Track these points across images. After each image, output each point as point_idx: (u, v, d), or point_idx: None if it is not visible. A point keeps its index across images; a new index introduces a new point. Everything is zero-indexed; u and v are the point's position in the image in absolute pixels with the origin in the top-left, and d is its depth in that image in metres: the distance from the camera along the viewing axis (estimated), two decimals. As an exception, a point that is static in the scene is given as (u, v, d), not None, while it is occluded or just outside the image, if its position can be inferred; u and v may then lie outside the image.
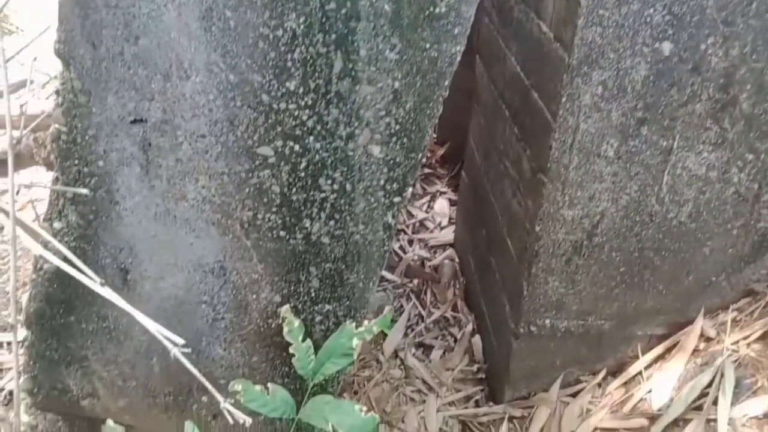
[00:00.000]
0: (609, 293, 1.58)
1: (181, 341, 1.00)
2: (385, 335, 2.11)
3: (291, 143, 1.20)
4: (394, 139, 1.20)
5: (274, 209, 1.28)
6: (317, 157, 1.22)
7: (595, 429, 1.61)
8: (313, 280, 1.36)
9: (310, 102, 1.16)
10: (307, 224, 1.29)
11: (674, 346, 1.63)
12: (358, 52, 1.11)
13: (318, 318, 1.41)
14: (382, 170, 1.23)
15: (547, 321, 1.63)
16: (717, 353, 1.52)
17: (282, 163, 1.23)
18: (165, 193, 1.27)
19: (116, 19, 1.12)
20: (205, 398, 1.53)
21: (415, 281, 2.38)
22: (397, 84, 1.15)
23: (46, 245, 1.27)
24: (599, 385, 1.72)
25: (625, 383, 1.67)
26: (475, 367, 2.00)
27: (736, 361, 1.47)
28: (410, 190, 1.27)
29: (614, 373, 1.72)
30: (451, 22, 1.11)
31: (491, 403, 1.86)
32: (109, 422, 1.33)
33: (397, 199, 1.27)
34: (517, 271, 1.64)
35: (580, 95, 1.32)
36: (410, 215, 2.74)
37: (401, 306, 2.26)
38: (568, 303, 1.60)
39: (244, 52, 1.13)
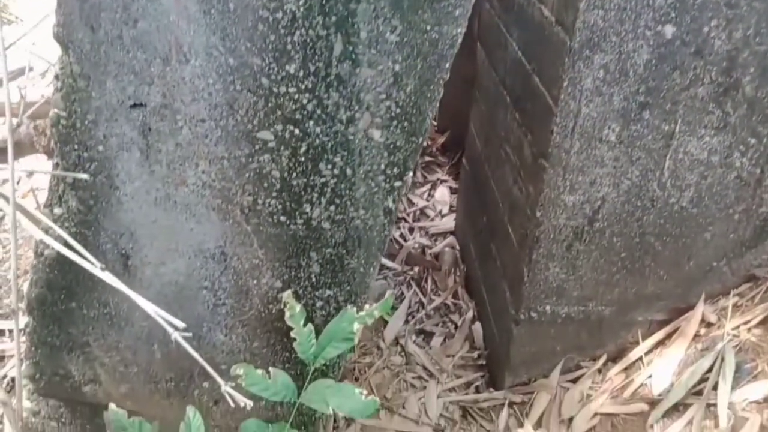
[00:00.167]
0: (610, 279, 1.58)
1: (181, 325, 1.00)
2: (386, 322, 2.12)
3: (291, 127, 1.20)
4: (395, 122, 1.20)
5: (274, 194, 1.27)
6: (317, 141, 1.21)
7: (596, 414, 1.62)
8: (314, 266, 1.36)
9: (310, 85, 1.16)
10: (308, 209, 1.29)
11: (675, 331, 1.63)
12: (359, 34, 1.11)
13: (319, 303, 1.41)
14: (382, 154, 1.23)
15: (548, 307, 1.63)
16: (718, 338, 1.52)
17: (282, 148, 1.22)
18: (165, 178, 1.27)
19: (115, 2, 1.11)
20: (206, 384, 1.53)
21: (416, 269, 2.39)
22: (397, 67, 1.14)
23: (46, 231, 1.27)
24: (599, 370, 1.72)
25: (626, 369, 1.67)
26: (475, 354, 2.01)
27: (736, 346, 1.47)
28: (411, 174, 1.26)
29: (615, 358, 1.72)
30: (452, 4, 1.10)
31: (492, 389, 1.86)
32: (112, 406, 1.33)
33: (397, 184, 1.26)
34: (518, 257, 1.64)
35: (582, 79, 1.31)
36: (411, 203, 2.74)
37: (402, 293, 2.26)
38: (569, 289, 1.60)
39: (244, 35, 1.12)
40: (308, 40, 1.12)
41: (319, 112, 1.18)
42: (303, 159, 1.23)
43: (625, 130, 1.37)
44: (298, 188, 1.26)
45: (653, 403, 1.53)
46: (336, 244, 1.33)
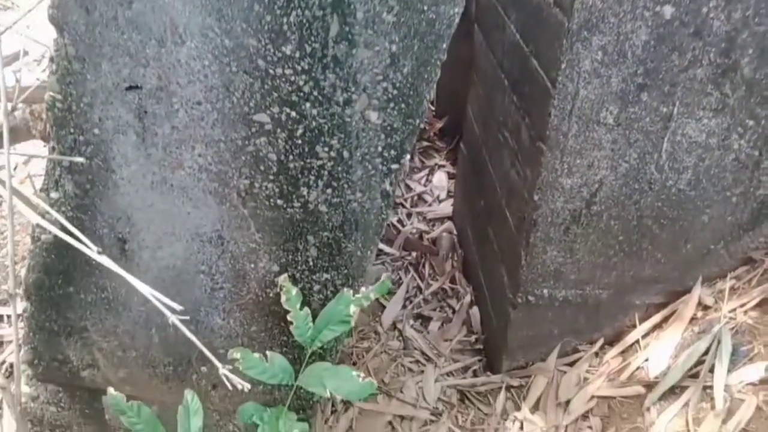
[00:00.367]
0: (607, 262, 1.58)
1: (178, 308, 1.00)
2: (384, 307, 2.12)
3: (287, 110, 1.19)
4: (392, 104, 1.19)
5: (271, 177, 1.27)
6: (314, 123, 1.20)
7: (592, 397, 1.63)
8: (311, 249, 1.36)
9: (306, 67, 1.15)
10: (305, 192, 1.28)
11: (672, 314, 1.63)
12: (355, 14, 1.10)
13: (316, 287, 1.41)
14: (379, 136, 1.22)
15: (545, 291, 1.64)
16: (714, 321, 1.52)
17: (278, 130, 1.21)
18: (161, 161, 1.26)
19: (109, -18, 1.10)
20: (204, 368, 1.54)
21: (414, 254, 2.39)
22: (394, 47, 1.13)
23: (43, 216, 1.27)
24: (597, 354, 1.73)
25: (623, 352, 1.68)
26: (473, 338, 2.01)
27: (733, 328, 1.48)
28: (408, 157, 1.26)
29: (612, 342, 1.73)
30: (449, -16, 1.09)
31: (489, 373, 1.87)
32: (110, 390, 1.33)
33: (394, 166, 1.26)
34: (516, 241, 1.64)
35: (580, 61, 1.31)
36: (409, 188, 2.74)
37: (400, 278, 2.27)
38: (566, 272, 1.60)
39: (239, 15, 1.11)
40: (304, 21, 1.11)
41: (315, 93, 1.17)
42: (300, 141, 1.23)
43: (623, 112, 1.37)
44: (294, 171, 1.26)
45: (650, 386, 1.54)
46: (333, 228, 1.33)
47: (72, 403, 1.66)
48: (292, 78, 1.16)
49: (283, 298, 1.33)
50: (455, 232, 2.50)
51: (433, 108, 3.17)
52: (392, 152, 1.25)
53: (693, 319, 1.58)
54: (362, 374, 1.27)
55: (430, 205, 2.69)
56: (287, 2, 1.09)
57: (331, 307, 1.35)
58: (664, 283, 1.63)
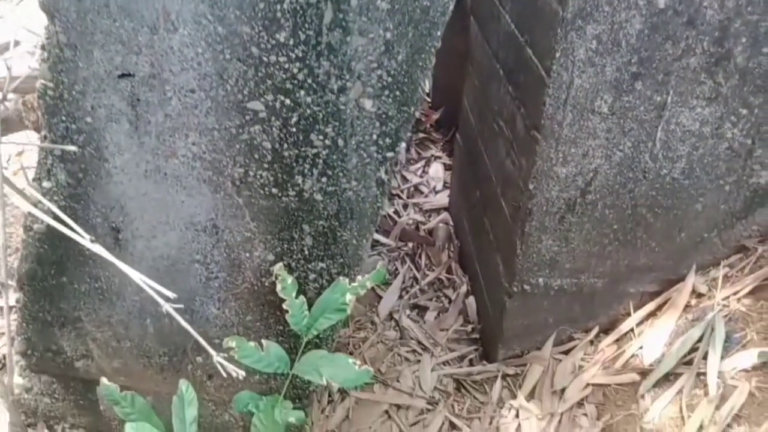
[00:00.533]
0: (602, 251, 1.59)
1: (171, 295, 1.00)
2: (380, 298, 2.13)
3: (281, 97, 1.19)
4: (387, 92, 1.19)
5: (265, 166, 1.26)
6: (308, 111, 1.20)
7: (587, 385, 1.64)
8: (307, 238, 1.36)
9: (300, 54, 1.14)
10: (300, 181, 1.28)
11: (666, 302, 1.64)
12: (349, 1, 1.09)
13: (312, 276, 1.41)
14: (374, 124, 1.22)
15: (540, 279, 1.64)
16: (708, 309, 1.53)
17: (273, 118, 1.21)
18: (155, 150, 1.26)
19: (100, -32, 1.09)
20: (200, 359, 1.54)
21: (410, 244, 2.39)
22: (388, 35, 1.13)
23: (36, 205, 1.26)
24: (592, 342, 1.74)
25: (617, 340, 1.69)
26: (469, 327, 2.02)
27: (726, 315, 1.49)
28: (403, 145, 1.26)
29: (606, 330, 1.74)
30: (443, -30, 1.09)
31: (485, 362, 1.88)
32: (104, 380, 1.33)
33: (390, 155, 1.26)
34: (511, 230, 1.64)
35: (575, 50, 1.30)
36: (405, 180, 2.74)
37: (396, 269, 2.27)
38: (561, 261, 1.61)
39: (233, 2, 1.10)
40: (298, 8, 1.10)
41: (309, 81, 1.17)
42: (294, 130, 1.22)
43: (618, 101, 1.37)
44: (289, 159, 1.26)
45: (644, 373, 1.55)
46: (328, 216, 1.33)
47: (66, 394, 1.66)
48: (286, 65, 1.16)
49: (278, 287, 1.33)
50: (451, 222, 2.50)
51: (429, 100, 3.16)
52: (387, 140, 1.24)
53: (687, 307, 1.59)
54: (358, 362, 1.27)
55: (426, 196, 2.69)
56: (281, -12, 1.09)
57: (327, 295, 1.35)
58: (658, 272, 1.63)
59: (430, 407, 1.76)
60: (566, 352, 1.76)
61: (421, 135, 3.00)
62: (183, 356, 1.54)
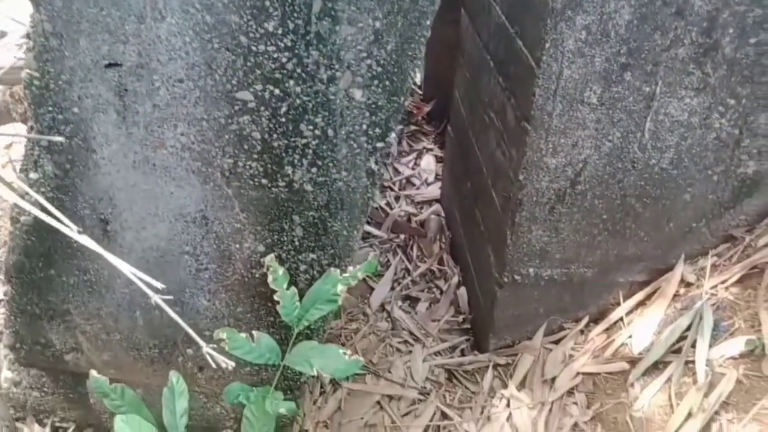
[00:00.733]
0: (591, 241, 1.60)
1: (160, 286, 0.99)
2: (372, 289, 2.13)
3: (271, 87, 1.18)
4: (376, 81, 1.18)
5: (255, 156, 1.26)
6: (298, 101, 1.20)
7: (578, 374, 1.65)
8: (297, 229, 1.35)
9: (289, 44, 1.14)
10: (289, 171, 1.28)
11: (655, 292, 1.65)
12: (338, -10, 1.09)
13: (302, 267, 1.40)
14: (364, 114, 1.22)
15: (531, 270, 1.65)
16: (696, 297, 1.54)
17: (262, 108, 1.20)
18: (143, 140, 1.25)
19: (85, -44, 1.08)
20: (190, 351, 1.53)
21: (402, 236, 2.39)
22: (378, 24, 1.12)
23: (23, 197, 1.25)
24: (582, 331, 1.75)
25: (607, 329, 1.70)
26: (460, 318, 2.03)
27: (714, 304, 1.50)
28: (393, 135, 1.25)
29: (596, 319, 1.75)
30: (432, -41, 1.08)
31: (476, 352, 1.89)
32: (93, 372, 1.33)
33: (380, 145, 1.26)
34: (501, 221, 1.65)
35: (564, 40, 1.31)
36: (397, 172, 2.74)
37: (388, 261, 2.27)
38: (551, 251, 1.61)
39: (220, -9, 1.10)
40: (287, -3, 1.10)
41: (299, 71, 1.16)
42: (284, 120, 1.22)
43: (607, 91, 1.37)
44: (279, 150, 1.25)
45: (634, 362, 1.56)
46: (319, 207, 1.33)
47: (56, 387, 1.65)
48: (275, 55, 1.15)
49: (269, 278, 1.33)
50: (443, 214, 2.51)
51: (420, 92, 3.16)
52: (377, 130, 1.24)
53: (675, 296, 1.60)
54: (349, 352, 1.27)
55: (418, 188, 2.69)
56: (269, -23, 1.08)
57: (318, 286, 1.35)
58: (647, 261, 1.64)
59: (421, 397, 1.77)
60: (557, 342, 1.77)
61: (413, 127, 3.00)
62: (173, 348, 1.53)
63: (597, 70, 1.34)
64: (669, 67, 1.35)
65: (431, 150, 2.88)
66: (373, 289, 2.13)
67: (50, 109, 1.22)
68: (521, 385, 1.71)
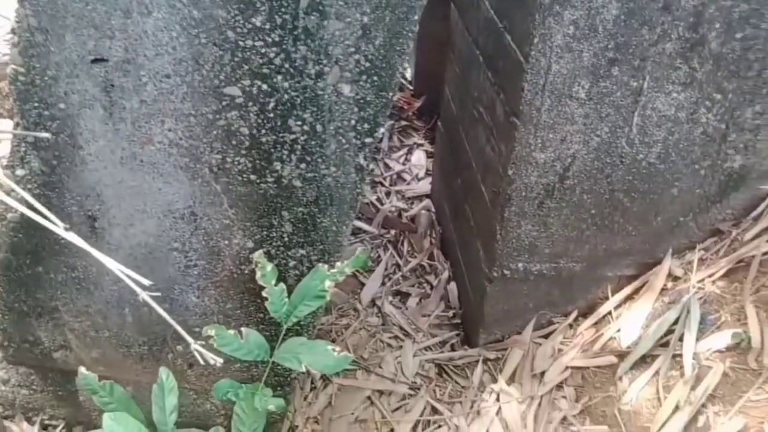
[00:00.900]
0: (580, 236, 1.61)
1: (147, 283, 0.99)
2: (363, 285, 2.13)
3: (258, 82, 1.18)
4: (364, 77, 1.18)
5: (243, 152, 1.25)
6: (286, 96, 1.19)
7: (567, 368, 1.66)
8: (286, 225, 1.35)
9: (277, 39, 1.13)
10: (278, 167, 1.27)
11: (643, 285, 1.67)
12: (325, -16, 1.08)
13: (292, 263, 1.40)
14: (352, 110, 1.22)
15: (520, 264, 1.65)
16: (684, 291, 1.56)
17: (250, 104, 1.20)
18: (130, 136, 1.24)
19: (70, -50, 1.07)
20: (180, 347, 1.53)
21: (393, 232, 2.40)
22: (366, 19, 1.12)
23: (9, 193, 1.24)
24: (571, 326, 1.76)
25: (596, 323, 1.71)
26: (450, 313, 2.03)
27: (701, 298, 1.51)
28: (382, 130, 1.25)
29: (585, 314, 1.76)
30: (419, -46, 1.08)
31: (466, 347, 1.89)
32: (82, 369, 1.32)
33: (368, 140, 1.25)
34: (491, 215, 1.65)
35: (552, 35, 1.31)
36: (388, 167, 2.74)
37: (379, 256, 2.27)
38: (541, 246, 1.62)
39: (207, -15, 1.09)
40: (274, -9, 1.09)
41: (287, 66, 1.16)
42: (272, 115, 1.21)
43: (595, 86, 1.38)
44: (267, 146, 1.25)
45: (622, 356, 1.57)
46: (308, 203, 1.32)
47: (45, 385, 1.64)
48: (263, 50, 1.15)
49: (258, 275, 1.33)
50: (433, 209, 2.51)
51: (411, 87, 3.16)
52: (366, 126, 1.24)
53: (663, 290, 1.62)
54: (338, 348, 1.27)
55: (408, 183, 2.69)
56: (256, -28, 1.08)
57: (306, 282, 1.34)
58: (635, 255, 1.65)
59: (412, 392, 1.77)
60: (546, 336, 1.78)
61: (404, 123, 2.99)
62: (163, 345, 1.53)
63: (585, 65, 1.35)
64: (656, 62, 1.35)
65: (422, 145, 2.88)
66: (363, 284, 2.14)
67: (36, 105, 1.21)
68: (511, 380, 1.72)
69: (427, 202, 2.55)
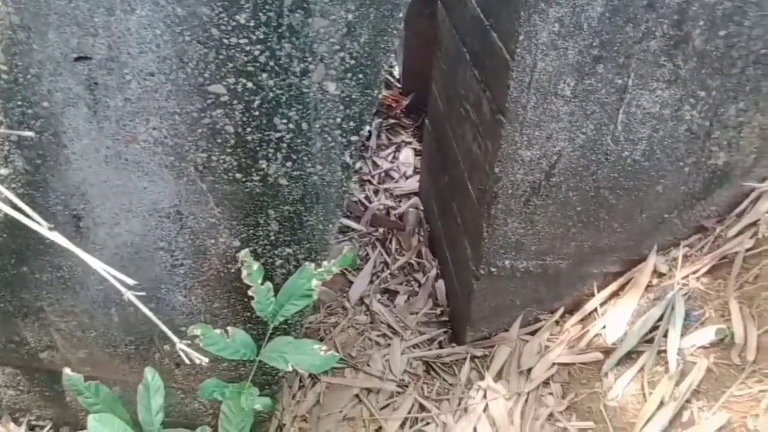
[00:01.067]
0: (566, 233, 1.61)
1: (132, 282, 0.98)
2: (351, 283, 2.13)
3: (243, 80, 1.17)
4: (350, 74, 1.18)
5: (228, 150, 1.25)
6: (271, 94, 1.19)
7: (553, 364, 1.67)
8: (272, 223, 1.35)
9: (261, 36, 1.13)
10: (264, 165, 1.27)
11: (628, 282, 1.68)
12: (310, -18, 1.08)
13: (278, 262, 1.40)
14: (338, 108, 1.21)
15: (507, 262, 1.66)
16: (668, 288, 1.57)
17: (235, 102, 1.19)
18: (115, 135, 1.23)
19: (52, -53, 1.06)
20: (167, 347, 1.52)
21: (381, 230, 2.40)
22: (350, 16, 1.12)
23: (-8, 192, 1.23)
24: (557, 322, 1.77)
25: (582, 320, 1.72)
26: (438, 311, 2.04)
27: (685, 294, 1.53)
28: (367, 128, 1.25)
29: (571, 310, 1.77)
30: (404, -49, 1.08)
31: (454, 345, 1.90)
32: (66, 370, 1.31)
33: (354, 138, 1.25)
34: (478, 213, 1.66)
35: (538, 33, 1.31)
36: (376, 165, 2.74)
37: (367, 254, 2.28)
38: (527, 243, 1.63)
39: (191, -17, 1.08)
40: (258, -11, 1.09)
41: (271, 64, 1.16)
42: (257, 113, 1.21)
43: (580, 84, 1.38)
44: (253, 144, 1.24)
45: (607, 352, 1.59)
46: (294, 201, 1.32)
47: (31, 385, 1.63)
48: (248, 48, 1.14)
49: (243, 273, 1.32)
50: (421, 207, 2.52)
51: (399, 86, 3.16)
52: (351, 124, 1.24)
53: (648, 287, 1.63)
54: (324, 347, 1.27)
55: (396, 181, 2.69)
56: (240, -31, 1.07)
57: (293, 281, 1.34)
58: (620, 252, 1.67)
59: (400, 390, 1.78)
60: (532, 333, 1.79)
61: (392, 121, 3.00)
62: (150, 345, 1.52)
63: (570, 63, 1.36)
64: (641, 60, 1.36)
65: (410, 143, 2.89)
66: (352, 282, 2.14)
67: (19, 103, 1.20)
68: (498, 377, 1.73)
69: (415, 200, 2.56)
